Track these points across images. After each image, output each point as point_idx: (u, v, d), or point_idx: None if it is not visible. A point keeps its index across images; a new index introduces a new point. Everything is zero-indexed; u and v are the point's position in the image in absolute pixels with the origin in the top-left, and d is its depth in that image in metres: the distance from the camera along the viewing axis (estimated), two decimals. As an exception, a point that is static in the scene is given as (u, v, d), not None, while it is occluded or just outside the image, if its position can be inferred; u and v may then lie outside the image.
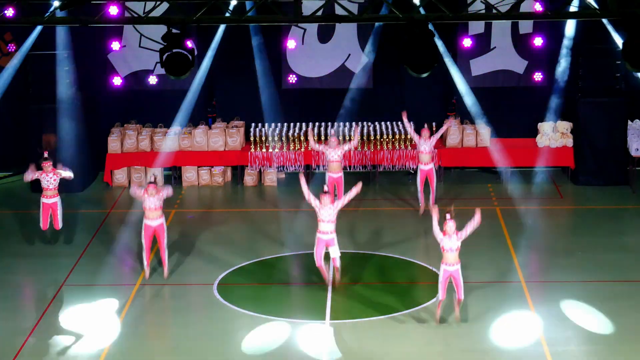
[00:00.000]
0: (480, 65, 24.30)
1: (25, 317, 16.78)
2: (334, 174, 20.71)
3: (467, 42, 24.06)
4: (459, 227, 15.57)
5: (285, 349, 15.44)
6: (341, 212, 17.58)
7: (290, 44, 24.28)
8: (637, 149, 22.80)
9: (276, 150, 23.46)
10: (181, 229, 20.77)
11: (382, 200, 22.63)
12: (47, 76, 22.90)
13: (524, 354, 15.18)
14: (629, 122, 23.37)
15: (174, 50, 16.79)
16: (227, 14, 18.53)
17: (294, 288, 17.82)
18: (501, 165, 23.51)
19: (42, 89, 23.01)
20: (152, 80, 24.29)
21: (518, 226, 20.62)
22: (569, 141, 23.64)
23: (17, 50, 22.93)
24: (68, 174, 19.32)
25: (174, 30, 16.95)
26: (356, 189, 17.01)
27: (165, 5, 20.25)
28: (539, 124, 23.82)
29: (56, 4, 17.44)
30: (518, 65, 24.29)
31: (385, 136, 23.56)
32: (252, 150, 23.55)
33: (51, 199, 19.29)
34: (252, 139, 23.63)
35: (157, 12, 20.34)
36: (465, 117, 24.04)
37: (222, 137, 23.74)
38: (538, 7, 20.31)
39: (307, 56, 24.40)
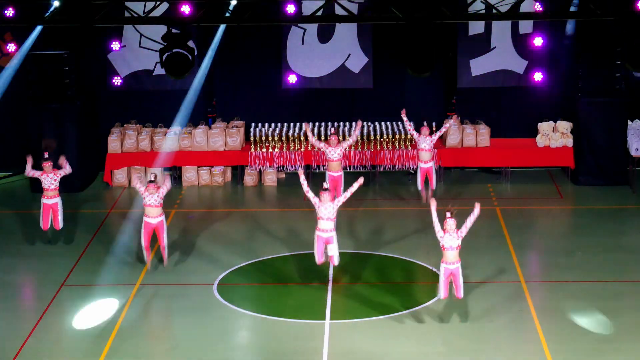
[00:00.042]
0: (480, 65, 24.28)
1: (25, 317, 16.78)
2: (334, 172, 20.68)
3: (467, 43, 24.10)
4: (459, 225, 15.58)
5: (285, 349, 15.42)
6: (341, 212, 17.55)
7: (290, 44, 24.27)
8: (637, 149, 22.78)
9: (276, 150, 23.45)
10: (181, 228, 20.77)
11: (382, 200, 22.62)
12: (47, 76, 22.91)
13: (524, 354, 15.18)
14: (629, 122, 23.35)
15: (174, 50, 16.81)
16: (227, 14, 18.56)
17: (294, 288, 17.79)
18: (501, 166, 23.54)
19: (42, 89, 23.01)
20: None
21: (518, 226, 20.61)
22: (568, 141, 23.62)
23: (17, 50, 22.93)
24: (68, 170, 19.32)
25: (173, 30, 16.98)
26: (358, 184, 16.82)
27: (165, 6, 20.29)
28: (539, 124, 23.80)
29: (56, 4, 17.45)
30: (518, 65, 24.26)
31: (385, 136, 23.53)
32: (252, 150, 23.54)
33: (52, 200, 19.28)
34: (252, 139, 23.62)
35: (157, 12, 20.43)
36: (465, 117, 24.05)
37: (222, 137, 23.72)
38: (538, 7, 20.30)
39: (307, 56, 24.36)
